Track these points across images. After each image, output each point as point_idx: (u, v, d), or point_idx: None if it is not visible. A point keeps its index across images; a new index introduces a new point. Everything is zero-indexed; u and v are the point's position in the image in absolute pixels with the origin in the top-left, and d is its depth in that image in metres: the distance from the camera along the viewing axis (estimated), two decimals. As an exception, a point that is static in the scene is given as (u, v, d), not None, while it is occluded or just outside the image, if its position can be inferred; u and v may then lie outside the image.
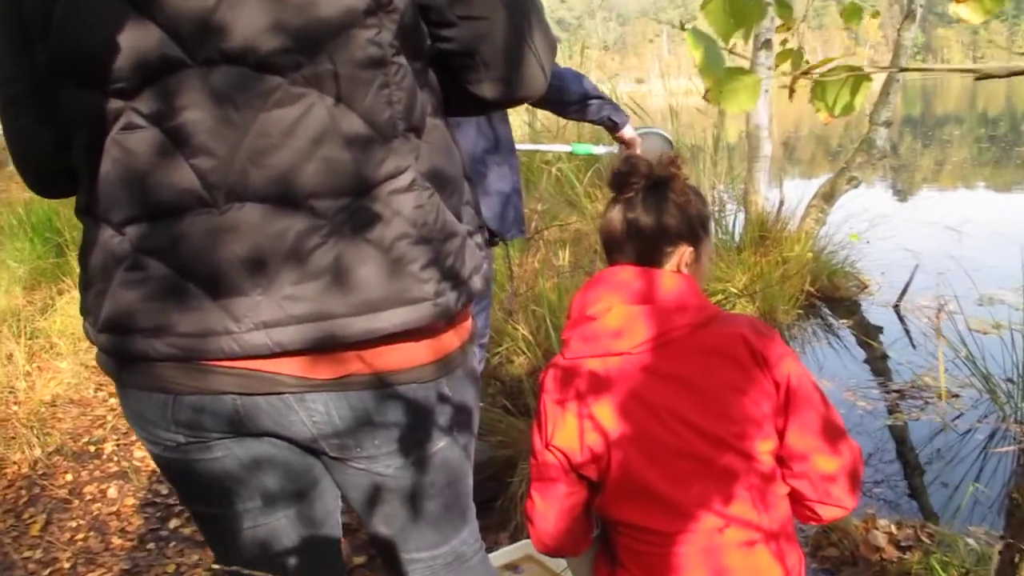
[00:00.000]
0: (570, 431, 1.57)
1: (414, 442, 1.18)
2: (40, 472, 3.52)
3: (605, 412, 1.54)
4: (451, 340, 1.18)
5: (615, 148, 3.50)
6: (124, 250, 1.09)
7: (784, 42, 2.25)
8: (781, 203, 5.33)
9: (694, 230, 1.64)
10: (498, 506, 2.71)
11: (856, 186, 5.65)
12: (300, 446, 1.19)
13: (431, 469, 1.21)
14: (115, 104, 1.04)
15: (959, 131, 17.82)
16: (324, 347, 1.07)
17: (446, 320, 1.15)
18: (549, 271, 4.01)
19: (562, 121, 10.38)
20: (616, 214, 1.63)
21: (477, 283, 1.17)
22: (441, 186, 1.13)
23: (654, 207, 1.61)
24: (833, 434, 1.55)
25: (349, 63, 1.01)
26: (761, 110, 5.66)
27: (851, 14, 1.72)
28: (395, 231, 1.07)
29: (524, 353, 3.50)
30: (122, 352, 1.12)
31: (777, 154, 9.78)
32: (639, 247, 1.61)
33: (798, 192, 5.78)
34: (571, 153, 3.57)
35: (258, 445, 1.18)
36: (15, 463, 3.58)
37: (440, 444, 1.20)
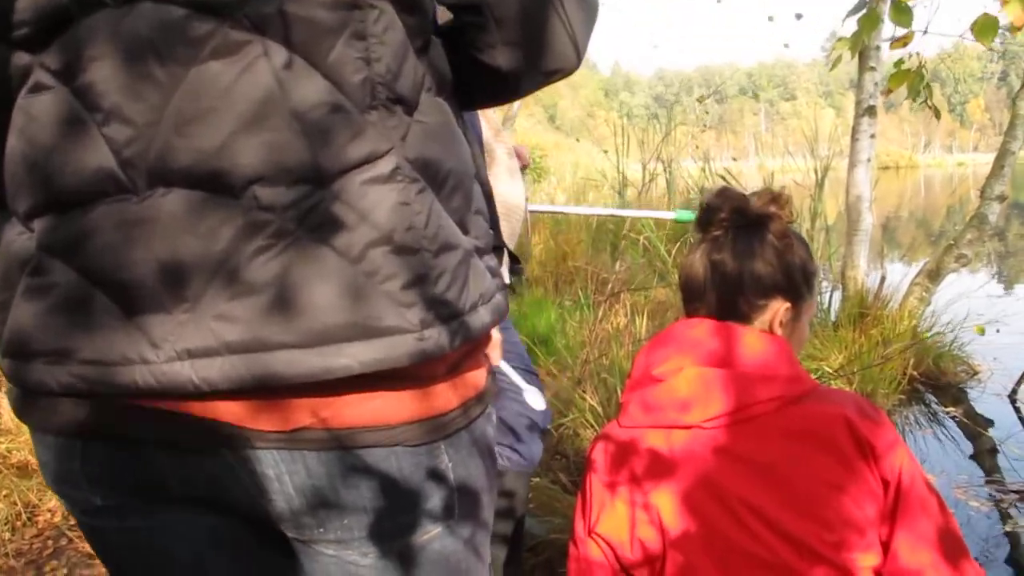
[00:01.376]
0: (619, 520, 1.27)
1: (395, 528, 0.89)
2: (70, 523, 3.33)
3: (665, 500, 1.24)
4: (448, 395, 0.89)
5: None
6: (28, 250, 0.84)
7: (900, 62, 1.95)
8: (883, 279, 4.95)
9: (794, 282, 1.36)
10: (550, 598, 2.40)
11: (965, 264, 5.23)
12: (251, 522, 0.91)
13: (420, 565, 0.91)
14: (21, 59, 0.81)
15: (1072, 217, 16.95)
16: (266, 388, 0.80)
17: (441, 365, 0.87)
18: (625, 338, 3.72)
19: (652, 192, 10.16)
20: (698, 256, 1.36)
21: (484, 317, 0.89)
22: (438, 182, 0.86)
23: (746, 249, 1.33)
24: (953, 550, 1.22)
25: (308, 2, 0.77)
26: (863, 180, 5.33)
27: (983, 29, 1.44)
28: (367, 235, 0.80)
29: (591, 426, 3.20)
30: (22, 382, 0.86)
31: (875, 236, 9.36)
32: (723, 296, 1.33)
33: (899, 273, 5.38)
34: (676, 220, 3.35)
35: (196, 518, 0.90)
36: (48, 511, 3.40)
37: (431, 533, 0.91)
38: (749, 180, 10.86)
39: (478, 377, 0.94)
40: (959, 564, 1.22)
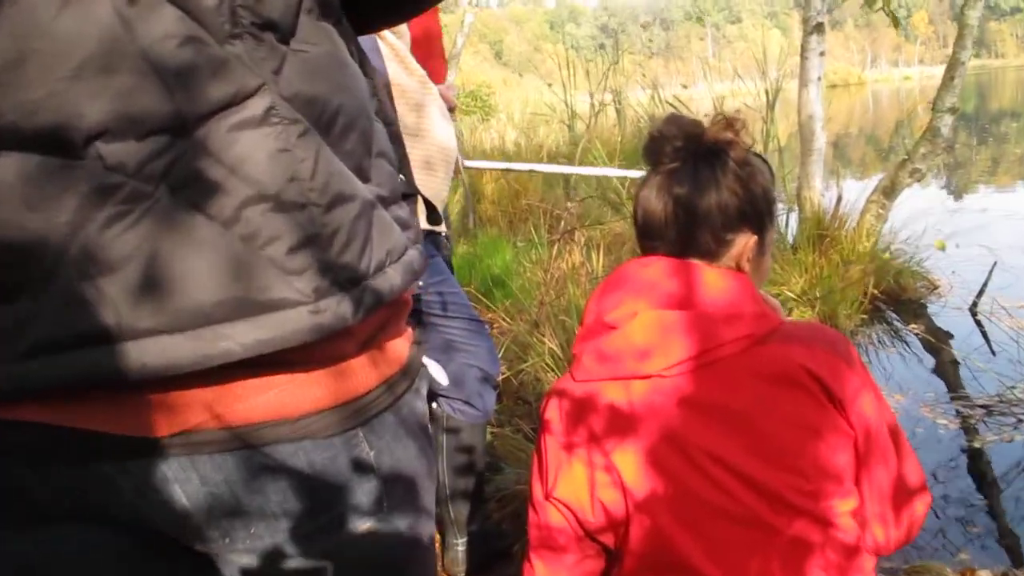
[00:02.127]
0: (578, 483, 1.17)
1: (314, 529, 0.76)
2: None
3: (626, 459, 1.13)
4: (364, 374, 0.76)
5: None
6: None
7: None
8: (839, 199, 4.87)
9: (759, 212, 1.25)
10: (516, 552, 2.31)
11: (920, 179, 5.18)
12: (148, 536, 0.77)
13: (353, 566, 0.79)
14: None
15: (1017, 125, 17.05)
16: (142, 384, 0.67)
17: (350, 341, 0.74)
18: (581, 277, 3.60)
19: (602, 123, 10.01)
20: (655, 190, 1.23)
21: (394, 278, 0.76)
22: (325, 122, 0.72)
23: (709, 179, 1.21)
24: (902, 498, 1.14)
25: None
26: (814, 99, 5.23)
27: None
28: (240, 192, 0.66)
29: (552, 370, 3.10)
30: None
31: (827, 155, 9.28)
32: (686, 233, 1.21)
33: (854, 191, 5.31)
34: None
35: (80, 536, 0.76)
36: None
37: (360, 529, 0.78)
38: (700, 106, 10.73)
39: (399, 348, 0.81)
40: (901, 511, 1.14)
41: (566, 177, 8.62)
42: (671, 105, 8.30)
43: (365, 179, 0.76)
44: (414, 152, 1.95)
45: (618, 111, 9.80)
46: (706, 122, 1.25)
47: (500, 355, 3.36)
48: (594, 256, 3.83)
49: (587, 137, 9.12)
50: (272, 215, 0.66)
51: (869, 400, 1.12)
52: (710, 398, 1.10)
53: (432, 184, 2.01)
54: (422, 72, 2.02)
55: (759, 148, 6.66)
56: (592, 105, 9.97)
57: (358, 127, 0.76)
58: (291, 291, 0.67)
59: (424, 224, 2.00)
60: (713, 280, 1.17)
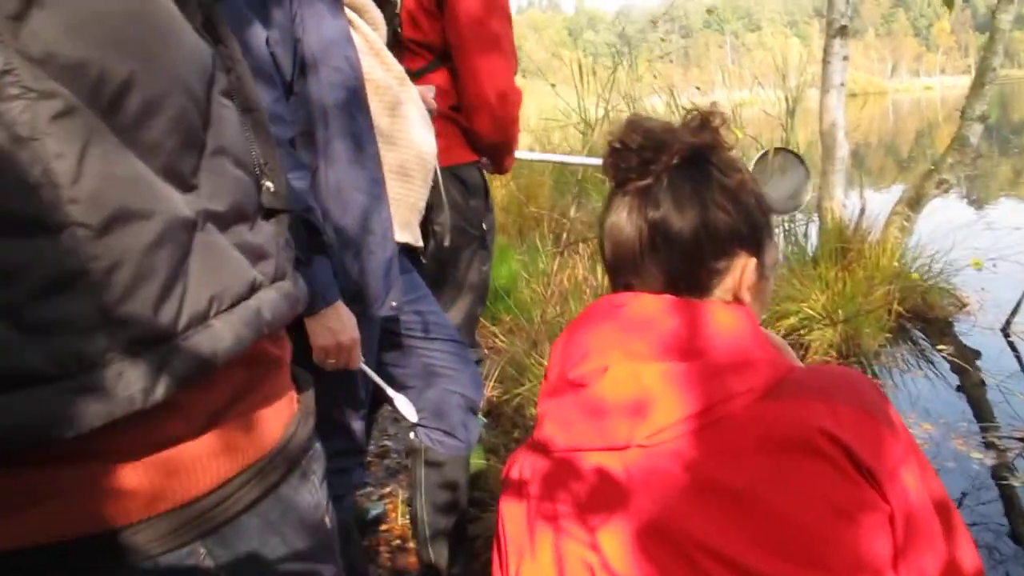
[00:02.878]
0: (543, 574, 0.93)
1: None
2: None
3: (607, 544, 0.90)
4: (208, 462, 0.53)
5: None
6: None
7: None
8: (862, 210, 4.61)
9: (756, 227, 1.01)
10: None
11: (947, 190, 4.92)
12: None
13: None
14: None
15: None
16: None
17: (177, 421, 0.52)
18: (585, 292, 3.37)
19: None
20: (626, 214, 1.00)
21: (226, 336, 0.54)
22: (105, 99, 0.50)
23: (692, 197, 0.97)
24: None
25: None
26: (836, 105, 4.98)
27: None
28: None
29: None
30: None
31: (848, 165, 8.98)
32: (672, 265, 0.98)
33: (877, 202, 5.05)
34: None
35: None
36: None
37: None
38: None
39: (269, 423, 0.58)
40: None
41: (577, 184, 8.40)
42: (687, 111, 8.07)
43: (185, 187, 0.53)
44: (388, 157, 1.73)
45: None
46: (678, 123, 1.02)
47: (495, 376, 3.14)
48: (599, 269, 3.59)
49: (602, 144, 8.90)
50: (5, 242, 0.43)
51: (911, 470, 0.88)
52: (705, 473, 0.86)
53: (409, 194, 1.79)
54: (400, 68, 1.80)
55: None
56: (606, 111, 9.75)
57: (169, 110, 0.53)
58: (36, 359, 0.43)
59: (399, 236, 1.78)
60: (722, 319, 0.93)
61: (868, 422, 0.87)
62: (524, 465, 0.99)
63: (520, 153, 3.24)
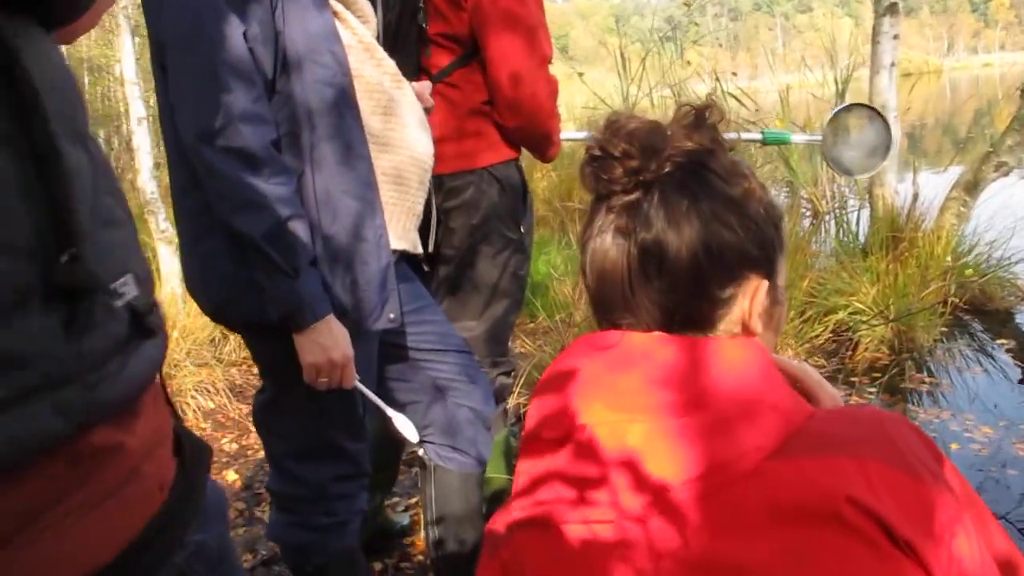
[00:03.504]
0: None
1: None
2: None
3: None
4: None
5: (818, 136, 3.00)
6: None
7: None
8: (915, 196, 4.39)
9: (766, 243, 0.86)
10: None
11: (1006, 173, 4.67)
12: None
13: None
14: None
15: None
16: None
17: None
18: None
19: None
20: (611, 238, 0.85)
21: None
22: None
23: (690, 212, 0.83)
24: None
25: None
26: (887, 87, 4.75)
27: None
28: None
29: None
30: None
31: (901, 147, 8.64)
32: (668, 297, 0.83)
33: (931, 187, 4.81)
34: (762, 142, 2.99)
35: None
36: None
37: None
38: (766, 98, 10.21)
39: (138, 500, 0.46)
40: None
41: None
42: (734, 98, 7.85)
43: None
44: (381, 162, 1.60)
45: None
46: (668, 122, 0.87)
47: (520, 384, 3.01)
48: None
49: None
50: None
51: (965, 532, 0.73)
52: (707, 550, 0.71)
53: (405, 199, 1.66)
54: (393, 65, 1.67)
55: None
56: (651, 100, 9.54)
57: None
58: None
59: (396, 244, 1.66)
60: (716, 358, 0.78)
61: (906, 482, 0.72)
62: (499, 537, 0.86)
63: (568, 134, 3.11)
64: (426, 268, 1.92)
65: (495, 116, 2.07)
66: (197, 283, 1.59)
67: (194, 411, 3.87)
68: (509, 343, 2.23)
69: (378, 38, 1.95)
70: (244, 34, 1.41)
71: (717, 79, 8.55)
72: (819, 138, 3.00)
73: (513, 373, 2.30)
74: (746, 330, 0.84)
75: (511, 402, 2.76)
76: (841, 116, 2.99)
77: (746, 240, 0.83)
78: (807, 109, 8.70)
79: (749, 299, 0.84)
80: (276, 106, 1.47)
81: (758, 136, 3.01)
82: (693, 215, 0.81)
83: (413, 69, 2.02)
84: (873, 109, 3.11)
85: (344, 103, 1.51)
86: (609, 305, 0.86)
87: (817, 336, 3.72)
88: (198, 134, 1.40)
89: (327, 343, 1.46)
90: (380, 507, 2.41)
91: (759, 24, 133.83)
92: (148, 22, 1.50)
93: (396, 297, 1.58)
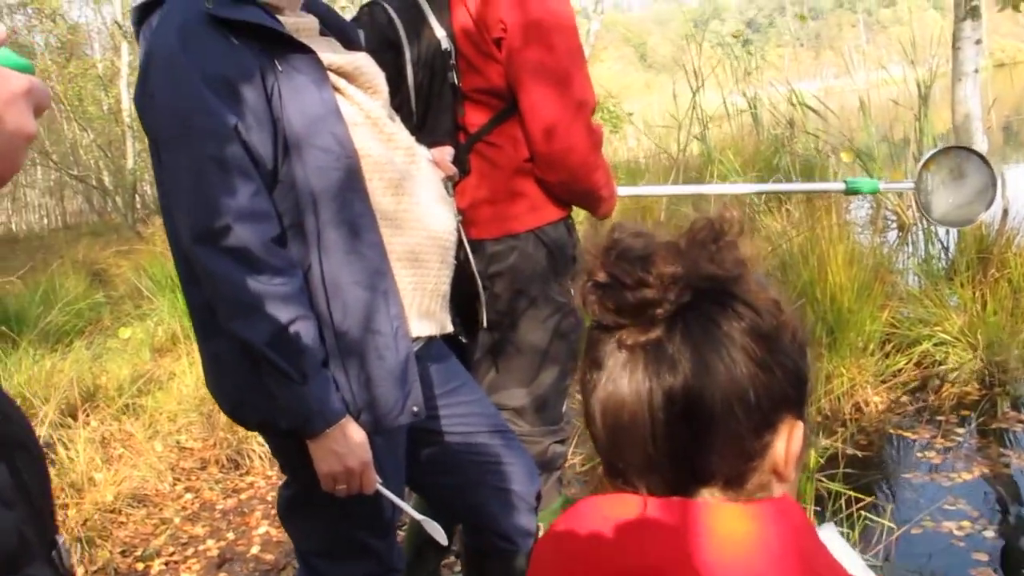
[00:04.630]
0: None
1: None
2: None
3: None
4: None
5: (910, 183, 2.79)
6: None
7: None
8: (1005, 212, 4.13)
9: (798, 374, 0.76)
10: None
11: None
12: None
13: None
14: None
15: None
16: None
17: None
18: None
19: (737, 128, 9.33)
20: (627, 383, 0.73)
21: None
22: None
23: (719, 352, 0.72)
24: None
25: None
26: (971, 96, 4.49)
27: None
28: None
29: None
30: None
31: (996, 142, 8.18)
32: (696, 452, 0.73)
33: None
34: (845, 192, 2.81)
35: None
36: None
37: None
38: (846, 99, 9.85)
39: None
40: None
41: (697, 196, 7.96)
42: (810, 109, 7.58)
43: None
44: (395, 244, 1.51)
45: (754, 115, 9.07)
46: (684, 242, 0.75)
47: (576, 440, 2.88)
48: None
49: (721, 143, 8.47)
50: None
51: None
52: None
53: (426, 280, 1.56)
54: (405, 138, 1.57)
55: (912, 149, 5.91)
56: (725, 110, 9.28)
57: None
58: None
59: (419, 329, 1.56)
60: (761, 534, 0.66)
61: None
62: None
63: (627, 189, 2.93)
64: (463, 339, 1.81)
65: (536, 172, 1.96)
66: (211, 381, 1.52)
67: (260, 457, 3.85)
68: (564, 407, 2.10)
69: (409, 100, 1.86)
70: (236, 126, 1.34)
71: (792, 91, 8.27)
72: (911, 186, 2.79)
73: (566, 442, 2.17)
74: (779, 477, 0.73)
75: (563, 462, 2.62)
76: (937, 159, 2.74)
77: (783, 380, 0.71)
78: (888, 115, 8.34)
79: (785, 443, 0.72)
80: (280, 195, 1.40)
81: (840, 186, 2.80)
82: (725, 355, 0.70)
83: (449, 129, 1.93)
84: (973, 152, 2.84)
85: (350, 186, 1.43)
86: (626, 463, 0.74)
87: (900, 370, 3.50)
88: (193, 236, 1.34)
89: (342, 450, 1.37)
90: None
91: (842, 21, 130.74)
92: (140, 118, 1.44)
93: (419, 388, 1.49)
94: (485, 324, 1.92)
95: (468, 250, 1.83)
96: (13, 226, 20.58)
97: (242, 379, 1.42)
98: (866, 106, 7.35)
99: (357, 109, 1.50)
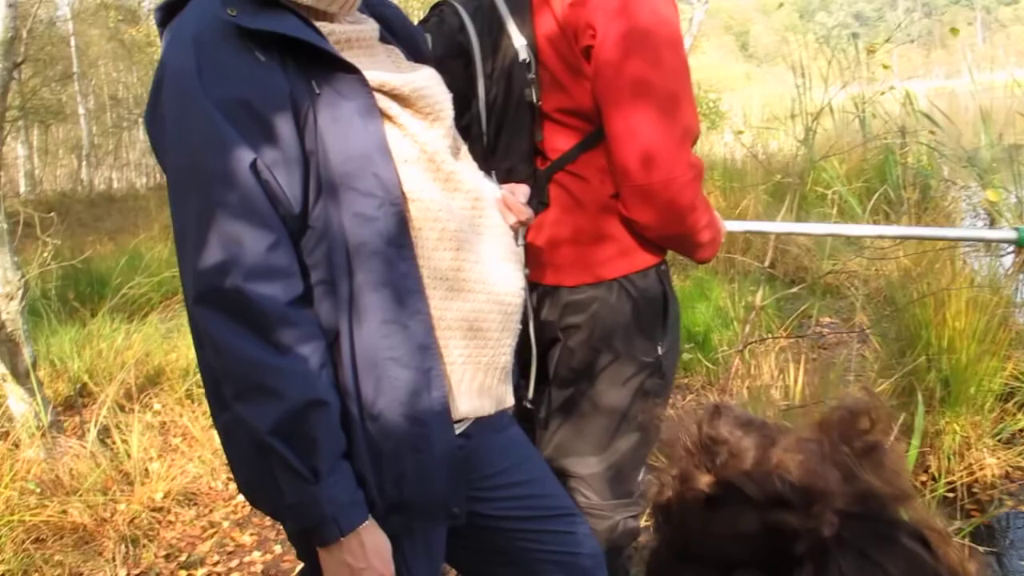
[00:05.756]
0: None
1: None
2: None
3: None
4: None
5: None
6: None
7: None
8: None
9: None
10: None
11: None
12: None
13: None
14: None
15: None
16: None
17: None
18: (772, 396, 2.71)
19: (844, 134, 8.83)
20: None
21: None
22: None
23: None
24: None
25: None
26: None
27: None
28: None
29: None
30: None
31: None
32: None
33: None
34: (1017, 244, 2.21)
35: None
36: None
37: None
38: (963, 101, 9.28)
39: None
40: None
41: (796, 195, 7.50)
42: (928, 118, 7.06)
43: None
44: (450, 311, 1.26)
45: (862, 119, 8.55)
46: (821, 441, 0.51)
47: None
48: (792, 370, 2.84)
49: (827, 148, 8.01)
50: None
51: None
52: None
53: (482, 354, 1.29)
54: (471, 177, 1.31)
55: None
56: (830, 110, 8.78)
57: None
58: None
59: (469, 409, 1.31)
60: None
61: None
62: None
63: (737, 224, 2.41)
64: (528, 404, 1.56)
65: (622, 210, 1.66)
66: (225, 453, 1.30)
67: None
68: (639, 477, 1.81)
69: (479, 119, 1.61)
70: (255, 164, 1.11)
71: (907, 94, 7.71)
72: None
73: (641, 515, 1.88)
74: None
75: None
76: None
77: None
78: (1013, 121, 7.77)
79: None
80: (309, 243, 1.16)
81: (1009, 235, 2.26)
82: None
83: (525, 154, 1.65)
84: None
85: (395, 239, 1.18)
86: None
87: (1022, 431, 3.14)
88: (196, 295, 1.12)
89: (358, 564, 1.13)
90: None
91: (957, 18, 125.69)
92: (149, 138, 1.22)
93: (463, 486, 1.24)
94: (556, 381, 1.67)
95: (532, 309, 1.57)
96: (114, 183, 20.98)
97: (252, 463, 1.21)
98: (988, 115, 6.85)
99: (411, 142, 1.25)
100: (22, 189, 17.13)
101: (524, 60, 1.60)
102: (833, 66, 9.06)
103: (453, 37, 1.62)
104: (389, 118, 1.23)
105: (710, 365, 3.96)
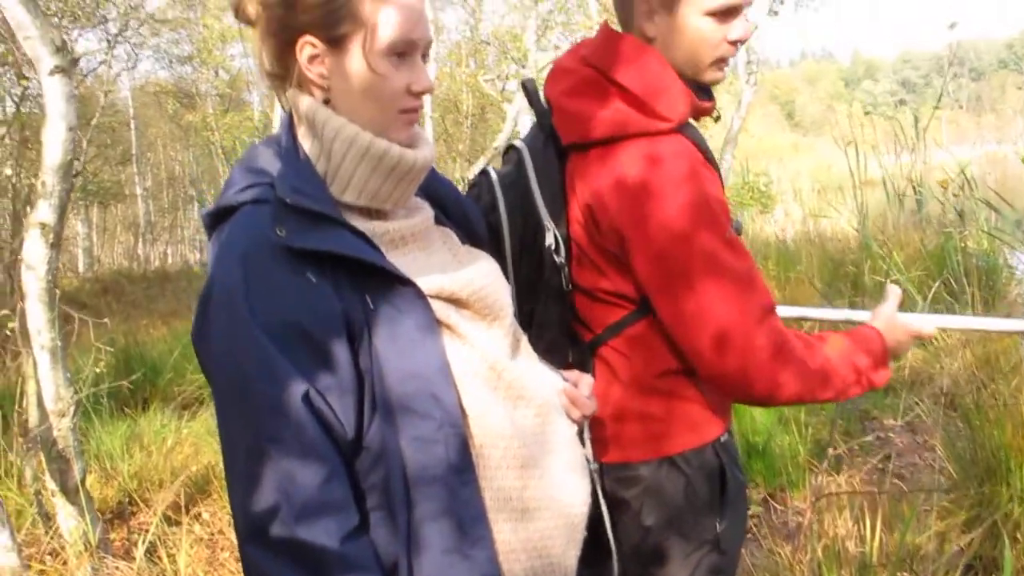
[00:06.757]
0: None
1: None
2: None
3: None
4: None
5: None
6: None
7: None
8: None
9: None
10: None
11: None
12: None
13: None
14: None
15: None
16: None
17: None
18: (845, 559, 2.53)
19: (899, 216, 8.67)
20: None
21: None
22: None
23: None
24: None
25: None
26: None
27: None
28: None
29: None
30: None
31: None
32: None
33: None
34: None
35: None
36: None
37: None
38: (1014, 168, 9.09)
39: None
40: None
41: (855, 282, 7.34)
42: (986, 204, 6.89)
43: None
44: (516, 534, 1.17)
45: (919, 201, 8.39)
46: None
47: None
48: (868, 523, 2.62)
49: (883, 235, 7.87)
50: None
51: None
52: None
53: (547, 572, 1.20)
54: (536, 383, 1.23)
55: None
56: (886, 191, 8.64)
57: None
58: None
59: None
60: None
61: None
62: None
63: (791, 310, 2.17)
64: None
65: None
66: None
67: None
68: None
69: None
70: (307, 393, 1.04)
71: (964, 176, 7.54)
72: None
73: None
74: None
75: None
76: None
77: None
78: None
79: None
80: (364, 466, 1.09)
81: None
82: None
83: (564, 325, 1.58)
84: None
85: (455, 465, 1.11)
86: None
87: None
88: (247, 534, 1.05)
89: None
90: None
91: (1005, 83, 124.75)
92: (197, 356, 1.15)
93: None
94: (615, 555, 1.57)
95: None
96: (169, 258, 21.40)
97: None
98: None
99: (470, 352, 1.18)
100: (81, 267, 17.54)
101: (549, 245, 1.53)
102: (879, 134, 8.86)
103: (486, 216, 1.56)
104: (448, 327, 1.16)
105: (769, 478, 3.81)
